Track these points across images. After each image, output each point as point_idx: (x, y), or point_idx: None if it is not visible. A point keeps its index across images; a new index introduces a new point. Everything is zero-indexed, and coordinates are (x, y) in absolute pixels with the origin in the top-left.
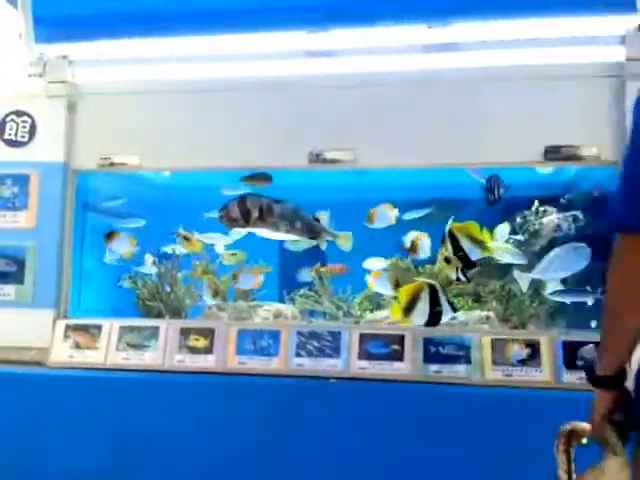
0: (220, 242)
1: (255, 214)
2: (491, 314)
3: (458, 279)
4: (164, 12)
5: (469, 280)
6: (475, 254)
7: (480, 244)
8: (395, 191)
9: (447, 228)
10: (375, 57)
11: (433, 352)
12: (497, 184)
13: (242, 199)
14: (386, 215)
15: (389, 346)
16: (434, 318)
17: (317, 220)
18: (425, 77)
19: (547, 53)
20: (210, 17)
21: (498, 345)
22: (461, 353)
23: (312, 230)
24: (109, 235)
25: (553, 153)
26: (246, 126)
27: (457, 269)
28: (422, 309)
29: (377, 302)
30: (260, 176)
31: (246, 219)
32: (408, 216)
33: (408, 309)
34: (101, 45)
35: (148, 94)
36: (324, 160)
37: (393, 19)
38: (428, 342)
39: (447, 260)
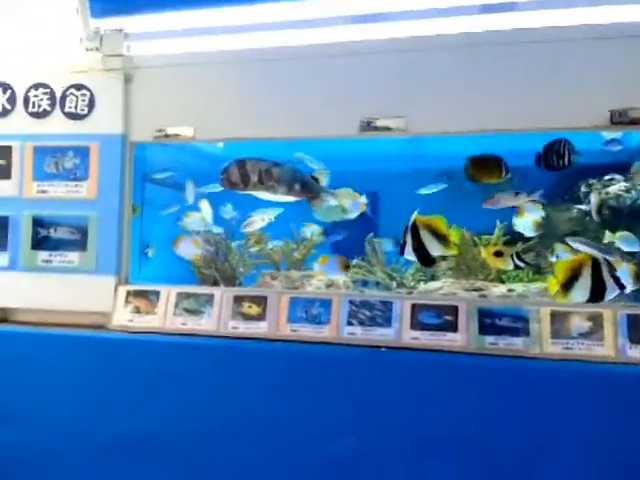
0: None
1: (254, 178)
2: None
3: (517, 267)
4: None
5: (529, 264)
6: (436, 249)
7: (443, 239)
8: (449, 160)
9: (411, 220)
10: (427, 20)
11: (489, 323)
12: (567, 148)
13: (242, 163)
14: None
15: (442, 316)
16: (596, 295)
17: (316, 180)
18: (479, 39)
19: (610, 11)
20: None
21: (558, 317)
22: (519, 325)
23: (311, 190)
24: (176, 240)
25: (619, 117)
26: (297, 95)
27: (512, 257)
28: (584, 285)
29: (431, 273)
30: None
31: (245, 182)
32: None
33: (567, 285)
34: (155, 17)
35: (202, 65)
36: (375, 128)
37: None
38: (483, 313)
39: (498, 254)
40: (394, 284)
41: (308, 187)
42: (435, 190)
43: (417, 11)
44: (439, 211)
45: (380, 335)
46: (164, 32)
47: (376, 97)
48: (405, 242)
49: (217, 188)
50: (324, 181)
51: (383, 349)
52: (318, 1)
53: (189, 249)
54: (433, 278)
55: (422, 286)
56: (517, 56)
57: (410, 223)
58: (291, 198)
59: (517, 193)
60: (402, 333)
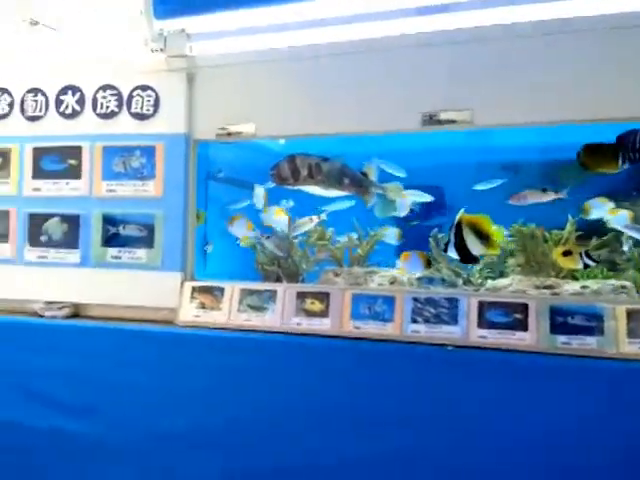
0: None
1: (304, 172)
2: (628, 283)
3: (587, 266)
4: None
5: (599, 262)
6: (477, 249)
7: (485, 238)
8: (516, 152)
9: (456, 218)
10: (492, 9)
11: (560, 322)
12: None
13: (292, 158)
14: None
15: (511, 315)
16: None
17: (365, 175)
18: (548, 28)
19: None
20: None
21: (635, 316)
22: (593, 324)
23: (360, 185)
24: (231, 219)
25: None
26: (358, 90)
27: (581, 255)
28: None
29: (499, 270)
30: None
31: (295, 177)
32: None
33: None
34: (216, 17)
35: (262, 63)
36: (439, 121)
37: None
38: (555, 311)
39: (566, 253)
40: (460, 281)
41: (357, 181)
42: (491, 187)
43: (482, 1)
44: (503, 205)
45: (446, 333)
46: (225, 31)
47: (440, 89)
48: (449, 240)
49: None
50: (373, 175)
51: (449, 347)
52: None
53: (242, 230)
54: (502, 275)
55: (490, 283)
56: (588, 45)
57: (455, 221)
58: (341, 192)
59: (544, 190)
60: (469, 331)
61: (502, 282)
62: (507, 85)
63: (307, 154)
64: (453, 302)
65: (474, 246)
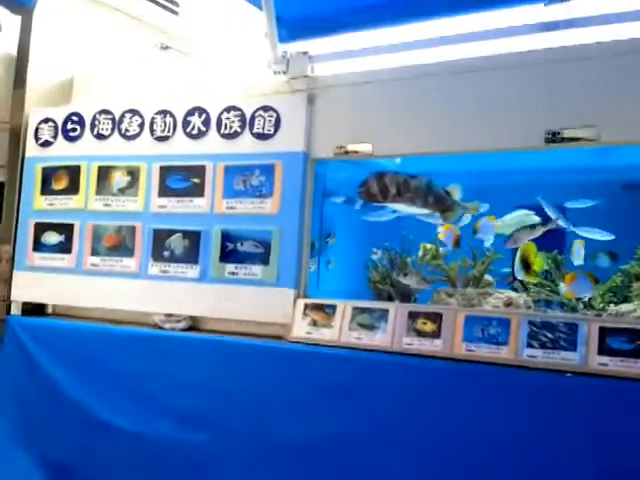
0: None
1: (393, 190)
2: None
3: None
4: (391, 0)
5: None
6: (519, 274)
7: (527, 267)
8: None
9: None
10: (618, 24)
11: None
12: None
13: (380, 176)
14: None
15: (635, 341)
16: None
17: (448, 194)
18: None
19: None
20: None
21: None
22: None
23: (444, 203)
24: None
25: None
26: (475, 108)
27: None
28: None
29: (623, 294)
30: None
31: (385, 195)
32: None
33: None
34: (336, 39)
35: (379, 83)
36: (562, 139)
37: None
38: None
39: None
40: (581, 305)
41: (442, 200)
42: (584, 206)
43: (605, 15)
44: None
45: (563, 359)
46: (344, 52)
47: (562, 106)
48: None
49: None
50: (457, 195)
51: (568, 374)
52: (499, 12)
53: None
54: (626, 300)
55: (612, 308)
56: None
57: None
58: (425, 211)
59: (532, 227)
60: (589, 358)
61: (626, 307)
62: (633, 102)
63: (395, 172)
64: (572, 327)
65: (518, 272)
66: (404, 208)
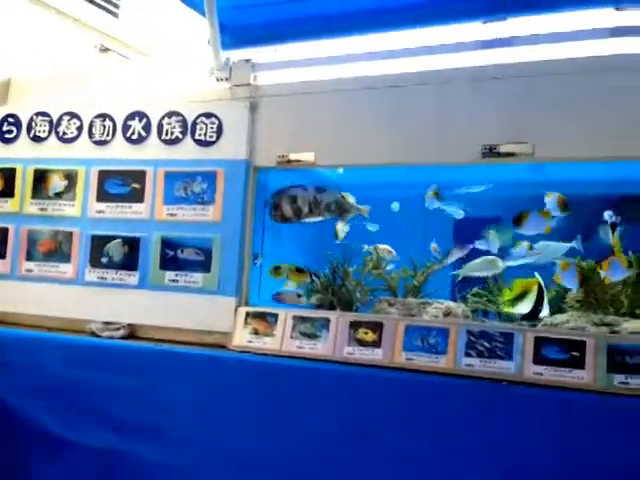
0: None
1: (305, 209)
2: None
3: None
4: (336, 13)
5: None
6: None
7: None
8: (578, 187)
9: None
10: (552, 45)
11: (619, 361)
12: None
13: (293, 198)
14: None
15: (568, 352)
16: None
17: (344, 198)
18: (609, 63)
19: None
20: (384, 14)
21: None
22: None
23: (343, 207)
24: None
25: None
26: (415, 121)
27: None
28: (527, 303)
29: (557, 305)
30: None
31: (298, 215)
32: None
33: (515, 300)
34: (280, 48)
35: (323, 94)
36: (498, 154)
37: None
38: (613, 350)
39: None
40: (517, 315)
41: (341, 206)
42: None
43: (541, 35)
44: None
45: (500, 368)
46: (287, 62)
47: (500, 122)
48: None
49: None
50: (351, 200)
51: (504, 383)
52: (438, 28)
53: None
54: (560, 311)
55: (547, 319)
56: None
57: None
58: (328, 216)
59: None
60: (524, 367)
61: (560, 318)
62: (567, 120)
63: (303, 187)
64: (508, 337)
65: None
66: (311, 219)
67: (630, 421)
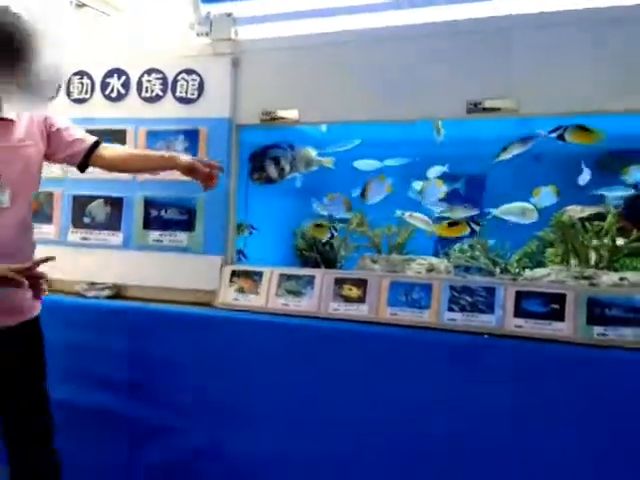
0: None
1: (287, 168)
2: None
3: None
4: None
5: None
6: None
7: None
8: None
9: None
10: None
11: (598, 313)
12: None
13: (276, 160)
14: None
15: (548, 305)
16: None
17: (308, 152)
18: (590, 15)
19: None
20: None
21: None
22: (630, 315)
23: (309, 161)
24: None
25: None
26: (402, 77)
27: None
28: None
29: (538, 259)
30: None
31: (282, 176)
32: None
33: None
34: (262, 1)
35: (307, 48)
36: (484, 109)
37: None
38: (592, 302)
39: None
40: (498, 270)
41: (308, 160)
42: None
43: None
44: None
45: (481, 322)
46: (271, 15)
47: (484, 77)
48: None
49: None
50: (313, 154)
51: (485, 336)
52: None
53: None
54: (540, 265)
55: (527, 273)
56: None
57: None
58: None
59: None
60: (505, 320)
61: (540, 272)
62: (553, 74)
63: (281, 147)
64: (490, 291)
65: None
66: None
67: (609, 372)
